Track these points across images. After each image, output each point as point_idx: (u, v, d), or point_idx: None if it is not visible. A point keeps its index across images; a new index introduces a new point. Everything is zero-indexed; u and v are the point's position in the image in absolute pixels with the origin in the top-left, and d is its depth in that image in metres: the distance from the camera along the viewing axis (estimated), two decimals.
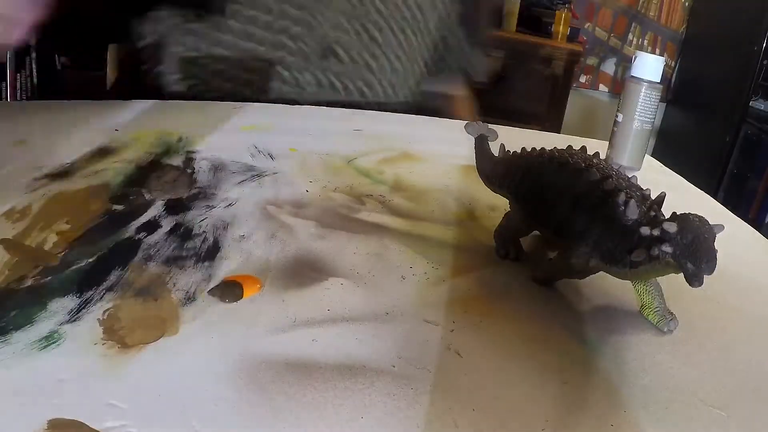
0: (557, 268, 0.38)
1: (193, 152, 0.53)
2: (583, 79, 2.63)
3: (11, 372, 0.26)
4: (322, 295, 0.35)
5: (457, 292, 0.37)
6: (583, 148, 0.39)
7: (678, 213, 0.31)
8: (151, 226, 0.40)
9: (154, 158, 0.51)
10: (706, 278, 0.29)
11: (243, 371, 0.28)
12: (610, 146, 0.68)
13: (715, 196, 2.12)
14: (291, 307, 0.33)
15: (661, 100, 0.92)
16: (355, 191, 0.50)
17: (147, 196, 0.44)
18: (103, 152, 0.50)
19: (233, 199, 0.46)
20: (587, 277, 0.38)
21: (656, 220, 0.32)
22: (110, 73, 0.83)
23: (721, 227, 0.31)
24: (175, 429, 0.24)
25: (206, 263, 0.36)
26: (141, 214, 0.41)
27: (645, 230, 0.31)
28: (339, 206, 0.47)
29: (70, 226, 0.38)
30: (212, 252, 0.38)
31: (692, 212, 0.31)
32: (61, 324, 0.29)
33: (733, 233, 0.53)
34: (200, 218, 0.42)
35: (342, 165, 0.56)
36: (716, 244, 0.30)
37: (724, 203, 0.62)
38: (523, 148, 0.42)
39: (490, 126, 0.48)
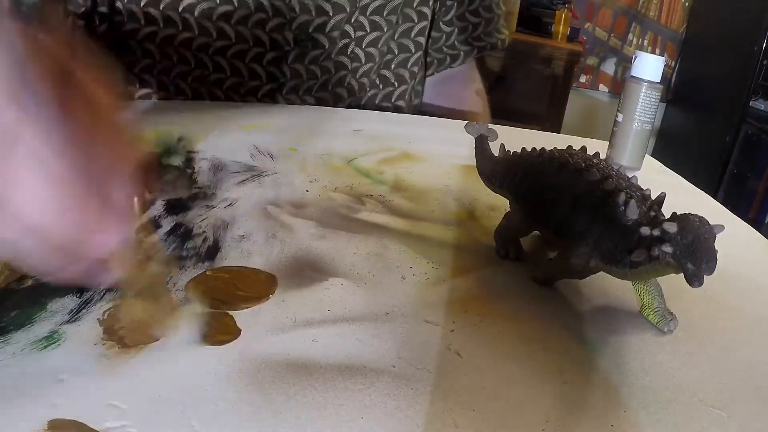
0: (557, 268, 0.38)
1: (193, 152, 0.53)
2: (583, 79, 2.64)
3: (11, 372, 0.26)
4: (322, 295, 0.35)
5: (457, 292, 0.37)
6: (583, 149, 0.39)
7: (678, 213, 0.31)
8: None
9: (154, 158, 0.51)
10: (706, 278, 0.29)
11: (243, 371, 0.28)
12: (610, 146, 0.68)
13: (715, 196, 2.12)
14: (291, 307, 0.33)
15: (661, 100, 0.91)
16: (355, 191, 0.50)
17: (147, 196, 0.44)
18: None
19: (233, 199, 0.46)
20: (587, 277, 0.38)
21: (656, 220, 0.32)
22: None
23: (721, 227, 0.31)
24: (175, 429, 0.24)
25: (206, 263, 0.36)
26: (141, 214, 0.41)
27: (645, 230, 0.31)
28: (339, 206, 0.47)
29: None
30: (212, 252, 0.38)
31: (692, 212, 0.31)
32: (61, 324, 0.29)
33: (733, 233, 0.53)
34: (200, 218, 0.42)
35: (342, 165, 0.56)
36: (716, 245, 0.30)
37: (724, 203, 0.62)
38: (524, 149, 0.42)
39: (490, 126, 0.48)
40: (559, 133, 0.91)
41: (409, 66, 0.79)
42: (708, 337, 0.36)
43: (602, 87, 2.64)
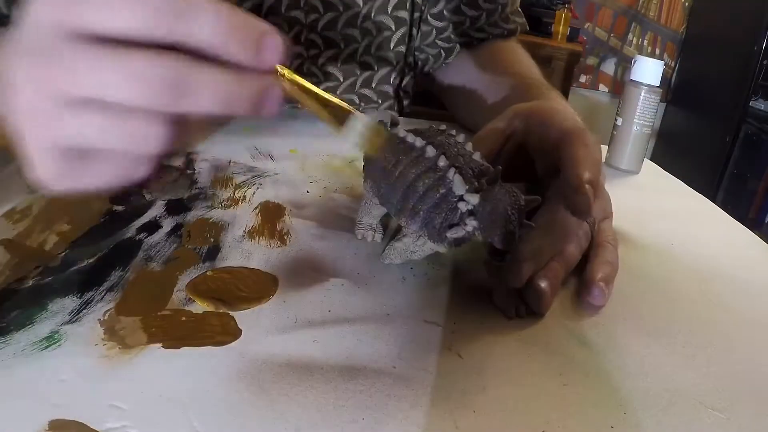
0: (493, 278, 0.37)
1: (194, 153, 0.53)
2: (583, 79, 2.64)
3: (12, 372, 0.26)
4: (323, 296, 0.35)
5: (458, 293, 0.37)
6: (443, 131, 0.37)
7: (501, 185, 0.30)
8: (152, 227, 0.40)
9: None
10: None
11: (244, 372, 0.28)
12: (609, 149, 0.68)
13: (714, 196, 2.13)
14: (292, 308, 0.33)
15: (661, 101, 0.91)
16: (355, 192, 0.50)
17: (147, 197, 0.44)
18: None
19: (234, 199, 0.46)
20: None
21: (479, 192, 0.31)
22: None
23: (536, 200, 0.29)
24: (176, 430, 0.24)
25: (207, 264, 0.36)
26: (141, 215, 0.41)
27: (462, 205, 0.30)
28: (340, 207, 0.47)
29: (71, 227, 0.38)
30: (213, 252, 0.38)
31: (509, 184, 0.30)
32: (62, 324, 0.29)
33: (732, 236, 0.53)
34: (201, 219, 0.42)
35: (343, 166, 0.56)
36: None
37: (724, 203, 0.62)
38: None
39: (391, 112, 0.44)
40: None
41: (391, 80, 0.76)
42: (708, 340, 0.36)
43: (602, 87, 2.65)
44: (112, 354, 0.28)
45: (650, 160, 0.72)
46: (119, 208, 0.42)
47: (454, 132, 0.36)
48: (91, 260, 0.35)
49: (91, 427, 0.24)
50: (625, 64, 2.56)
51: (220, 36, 0.25)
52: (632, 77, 0.66)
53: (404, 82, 0.79)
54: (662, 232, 0.50)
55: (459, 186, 0.31)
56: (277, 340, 0.30)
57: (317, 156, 0.57)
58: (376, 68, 0.74)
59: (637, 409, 0.29)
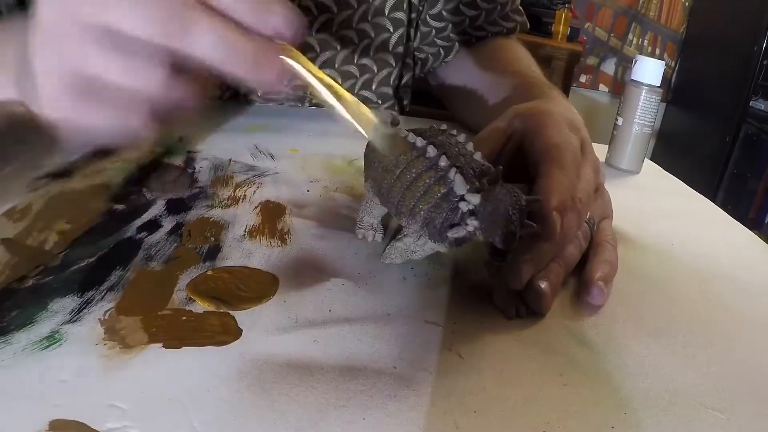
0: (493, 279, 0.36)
1: (194, 152, 0.53)
2: (583, 78, 2.64)
3: (12, 372, 0.26)
4: (323, 296, 0.35)
5: (459, 293, 0.37)
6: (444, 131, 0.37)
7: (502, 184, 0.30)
8: (152, 226, 0.40)
9: (154, 158, 0.51)
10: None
11: (244, 372, 0.28)
12: (610, 149, 0.68)
13: (715, 196, 2.13)
14: (292, 308, 0.33)
15: (661, 101, 0.91)
16: (356, 192, 0.50)
17: (148, 196, 0.44)
18: (103, 152, 0.50)
19: (234, 198, 0.45)
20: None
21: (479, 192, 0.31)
22: None
23: (536, 200, 0.29)
24: (177, 430, 0.24)
25: (207, 263, 0.36)
26: (142, 214, 0.41)
27: (463, 205, 0.30)
28: (340, 207, 0.47)
29: (71, 226, 0.38)
30: (213, 252, 0.38)
31: (511, 184, 0.30)
32: (62, 324, 0.29)
33: (732, 236, 0.53)
34: (201, 218, 0.42)
35: (343, 165, 0.56)
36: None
37: (724, 203, 0.62)
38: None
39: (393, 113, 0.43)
40: None
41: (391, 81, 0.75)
42: (708, 340, 0.36)
43: (602, 87, 2.65)
44: (113, 354, 0.28)
45: (650, 160, 0.72)
46: (119, 207, 0.42)
47: (455, 132, 0.36)
48: (92, 259, 0.35)
49: (92, 427, 0.24)
50: (625, 64, 2.56)
51: None
52: (633, 77, 0.66)
53: (403, 81, 0.79)
54: (662, 232, 0.50)
55: (460, 186, 0.31)
56: (277, 340, 0.30)
57: (318, 155, 0.57)
58: (375, 70, 0.74)
59: (637, 409, 0.29)
